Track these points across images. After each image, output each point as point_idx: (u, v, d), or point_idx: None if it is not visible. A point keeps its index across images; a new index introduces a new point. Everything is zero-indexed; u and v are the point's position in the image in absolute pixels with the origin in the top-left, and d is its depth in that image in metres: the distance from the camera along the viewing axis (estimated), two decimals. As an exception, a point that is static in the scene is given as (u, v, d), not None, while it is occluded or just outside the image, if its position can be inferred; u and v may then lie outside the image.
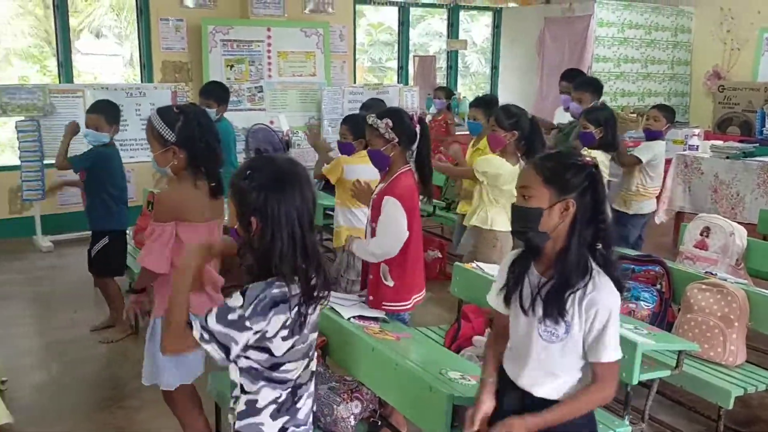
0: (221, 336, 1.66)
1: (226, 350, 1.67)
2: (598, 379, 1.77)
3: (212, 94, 5.01)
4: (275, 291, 1.68)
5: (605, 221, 1.76)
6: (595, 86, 5.10)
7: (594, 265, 1.75)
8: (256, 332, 1.67)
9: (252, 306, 1.65)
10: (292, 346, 1.74)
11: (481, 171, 3.80)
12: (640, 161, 4.62)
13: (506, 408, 1.88)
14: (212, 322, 1.66)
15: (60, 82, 6.66)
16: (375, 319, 2.85)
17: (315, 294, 1.75)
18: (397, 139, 2.88)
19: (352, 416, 2.48)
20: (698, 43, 8.82)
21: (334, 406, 2.47)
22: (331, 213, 4.73)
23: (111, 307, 4.33)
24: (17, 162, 6.08)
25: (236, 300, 1.67)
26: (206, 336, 1.66)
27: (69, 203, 6.44)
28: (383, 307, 2.93)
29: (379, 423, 2.62)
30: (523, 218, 1.77)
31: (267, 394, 1.78)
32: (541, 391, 1.83)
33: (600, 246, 1.76)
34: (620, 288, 1.77)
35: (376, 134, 2.90)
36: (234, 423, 1.84)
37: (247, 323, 1.65)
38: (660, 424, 3.27)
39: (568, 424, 1.79)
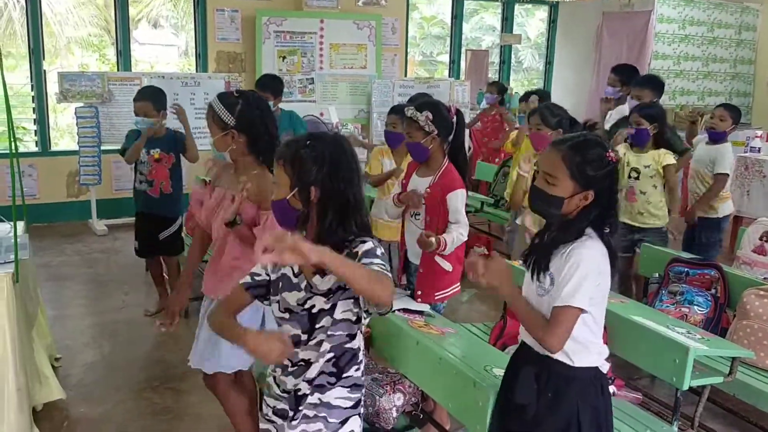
0: (387, 269, 1.61)
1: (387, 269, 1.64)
2: (550, 320, 1.79)
3: (268, 86, 5.04)
4: (379, 251, 1.68)
5: (615, 207, 1.87)
6: (655, 84, 4.93)
7: (590, 231, 1.83)
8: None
9: (380, 247, 1.67)
10: None
11: None
12: (727, 175, 4.42)
13: (522, 380, 1.92)
14: (376, 260, 1.61)
15: (118, 71, 6.84)
16: (420, 312, 2.84)
17: None
18: (436, 132, 2.91)
19: (394, 408, 2.49)
20: (764, 42, 8.52)
21: (377, 398, 2.47)
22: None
23: (162, 296, 4.43)
24: (76, 147, 6.27)
25: (365, 245, 1.64)
26: (384, 267, 1.60)
27: (124, 189, 6.63)
28: (437, 297, 2.98)
29: (421, 416, 2.61)
30: (545, 202, 1.86)
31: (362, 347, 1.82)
32: (557, 354, 1.84)
33: (607, 230, 1.84)
34: (614, 259, 1.83)
35: (415, 127, 2.93)
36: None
37: (387, 261, 1.67)
38: (710, 432, 3.18)
39: (582, 397, 1.84)
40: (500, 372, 2.32)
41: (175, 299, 2.75)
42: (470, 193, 3.43)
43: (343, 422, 1.79)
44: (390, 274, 1.60)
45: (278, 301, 1.78)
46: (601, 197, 1.83)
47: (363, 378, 1.82)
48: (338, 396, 1.77)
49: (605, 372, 1.90)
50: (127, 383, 3.56)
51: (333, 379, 1.75)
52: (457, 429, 2.93)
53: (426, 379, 2.45)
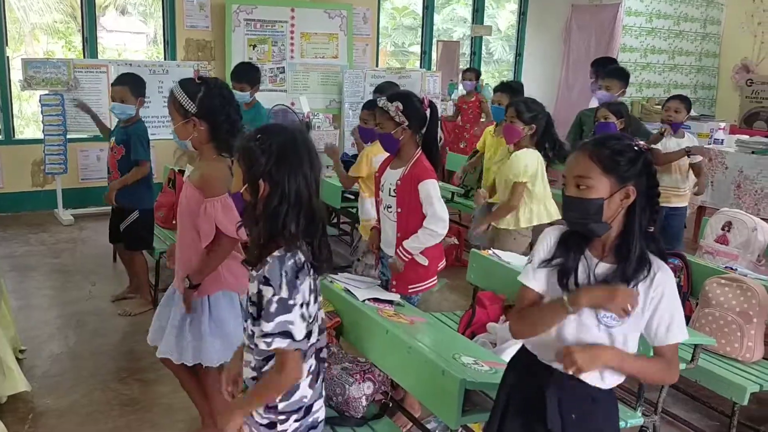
0: (278, 327, 1.66)
1: (290, 336, 1.67)
2: (667, 360, 1.71)
3: (243, 76, 4.94)
4: (290, 262, 1.68)
5: (658, 204, 1.71)
6: (624, 76, 5.03)
7: (652, 257, 1.69)
8: (301, 305, 1.68)
9: (283, 285, 1.65)
10: (317, 311, 1.78)
11: (529, 174, 3.68)
12: (701, 165, 4.54)
13: (551, 409, 1.76)
14: (266, 328, 1.67)
15: (84, 58, 6.71)
16: (390, 302, 2.86)
17: (320, 260, 1.76)
18: (407, 123, 2.89)
19: (363, 397, 2.50)
20: (728, 36, 8.68)
21: (347, 386, 2.48)
22: (349, 196, 4.75)
23: (133, 280, 4.38)
24: (41, 136, 6.15)
25: (266, 293, 1.67)
26: (270, 341, 1.68)
27: (90, 178, 6.53)
28: (410, 290, 2.99)
29: (390, 405, 2.63)
30: (583, 210, 1.67)
31: (304, 367, 1.78)
32: (590, 376, 1.71)
33: (651, 230, 1.70)
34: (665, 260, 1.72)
35: (386, 117, 2.92)
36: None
37: (290, 302, 1.66)
38: (673, 417, 3.25)
39: (607, 422, 1.77)
40: (469, 360, 2.35)
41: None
42: (441, 183, 3.43)
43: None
44: (291, 344, 1.67)
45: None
46: (644, 194, 1.66)
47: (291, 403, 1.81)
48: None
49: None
50: (94, 374, 3.52)
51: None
52: (427, 416, 2.96)
53: (395, 368, 2.47)
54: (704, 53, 8.67)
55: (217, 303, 2.49)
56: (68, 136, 6.11)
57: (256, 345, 1.75)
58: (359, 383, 2.51)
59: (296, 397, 1.79)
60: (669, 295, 1.67)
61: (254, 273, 1.73)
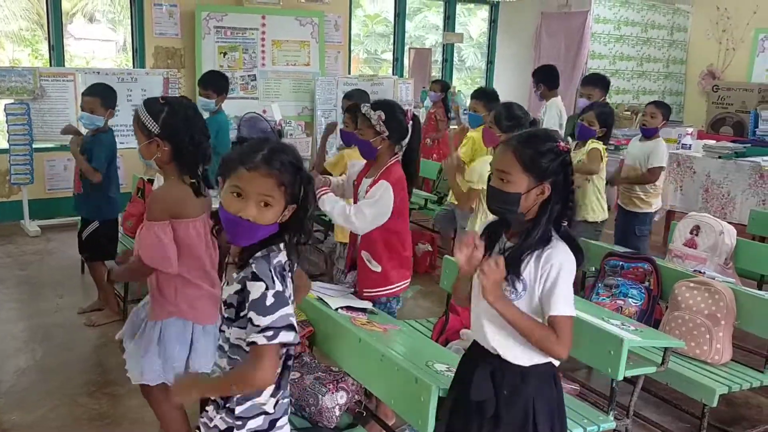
0: (281, 321, 1.60)
1: (293, 328, 1.63)
2: (554, 331, 1.81)
3: (211, 84, 4.92)
4: (275, 260, 1.67)
5: (573, 200, 1.88)
6: (605, 83, 5.15)
7: (555, 234, 1.84)
8: (289, 298, 1.67)
9: (274, 279, 1.63)
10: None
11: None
12: (663, 168, 4.62)
13: (477, 379, 1.91)
14: (264, 321, 1.60)
15: (51, 66, 6.60)
16: (363, 310, 2.85)
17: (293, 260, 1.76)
18: (387, 133, 2.88)
19: (337, 406, 2.48)
20: (694, 42, 8.85)
21: (320, 396, 2.46)
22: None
23: (100, 292, 4.31)
24: (6, 145, 6.03)
25: (256, 289, 1.62)
26: (272, 334, 1.60)
27: (57, 188, 6.42)
28: (367, 294, 2.95)
29: (364, 414, 2.61)
30: (502, 201, 1.85)
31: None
32: (510, 354, 1.87)
33: (566, 223, 1.87)
34: (580, 254, 1.85)
35: (367, 124, 2.91)
36: (217, 415, 1.79)
37: (286, 294, 1.65)
38: (645, 420, 3.28)
39: (537, 391, 1.87)
40: (442, 367, 2.35)
41: None
42: (414, 190, 3.43)
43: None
44: (276, 348, 1.63)
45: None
46: (558, 191, 1.83)
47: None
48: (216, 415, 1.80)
49: (557, 365, 1.93)
50: (62, 388, 3.44)
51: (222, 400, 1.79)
52: (401, 425, 2.94)
53: (369, 377, 2.45)
54: (671, 60, 8.82)
55: (167, 328, 2.45)
56: (34, 146, 6.00)
57: (236, 347, 1.71)
58: (332, 393, 2.49)
59: (254, 401, 1.74)
60: (557, 269, 1.79)
61: (234, 275, 1.70)
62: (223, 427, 1.77)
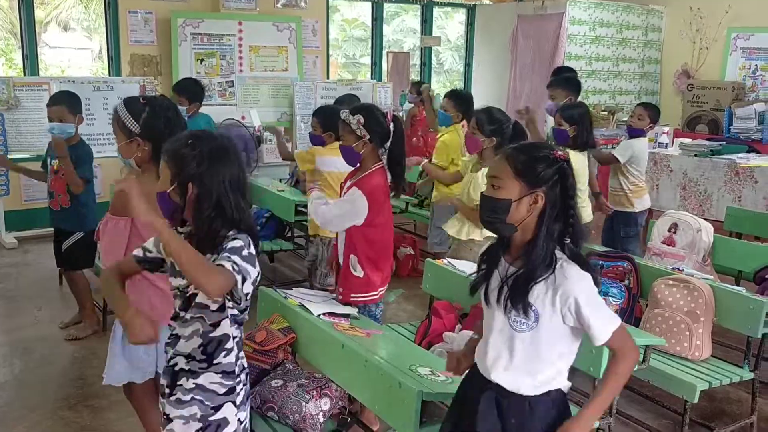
0: (242, 269, 1.72)
1: (248, 292, 1.76)
2: (615, 353, 1.77)
3: (184, 90, 4.88)
4: (244, 236, 1.80)
5: (574, 216, 1.76)
6: (569, 83, 5.13)
7: (560, 254, 1.75)
8: (257, 272, 1.78)
9: (251, 245, 1.78)
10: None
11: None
12: (617, 160, 4.63)
13: (483, 409, 1.83)
14: (236, 259, 1.72)
15: (25, 76, 6.52)
16: (345, 315, 2.84)
17: None
18: (368, 137, 2.88)
19: (321, 413, 2.47)
20: (668, 42, 8.94)
21: (303, 404, 2.45)
22: (303, 209, 4.71)
23: (79, 303, 4.25)
24: (-20, 156, 5.93)
25: (236, 242, 1.76)
26: (236, 267, 1.71)
27: (34, 199, 6.32)
28: (351, 299, 2.95)
29: (348, 420, 2.60)
30: (492, 208, 1.76)
31: (236, 334, 1.92)
32: (513, 385, 1.79)
33: (569, 241, 1.76)
34: (592, 272, 1.76)
35: (347, 130, 2.90)
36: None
37: (255, 261, 1.78)
38: (627, 418, 3.31)
39: (547, 425, 1.79)
40: (425, 371, 2.35)
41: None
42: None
43: (217, 408, 1.90)
44: (239, 276, 1.71)
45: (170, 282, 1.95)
46: (555, 204, 1.73)
47: (238, 366, 1.94)
48: (211, 381, 1.90)
49: (566, 391, 1.85)
50: (43, 403, 3.40)
51: (204, 365, 1.89)
52: (385, 430, 2.94)
53: (352, 382, 2.45)
54: (647, 60, 8.91)
55: None
56: (10, 156, 5.91)
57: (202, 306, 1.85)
58: (316, 400, 2.48)
59: (230, 359, 1.90)
60: (582, 298, 1.71)
61: (209, 256, 1.79)
62: (222, 391, 1.90)
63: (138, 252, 1.97)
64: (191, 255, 1.68)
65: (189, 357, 1.90)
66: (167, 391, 1.94)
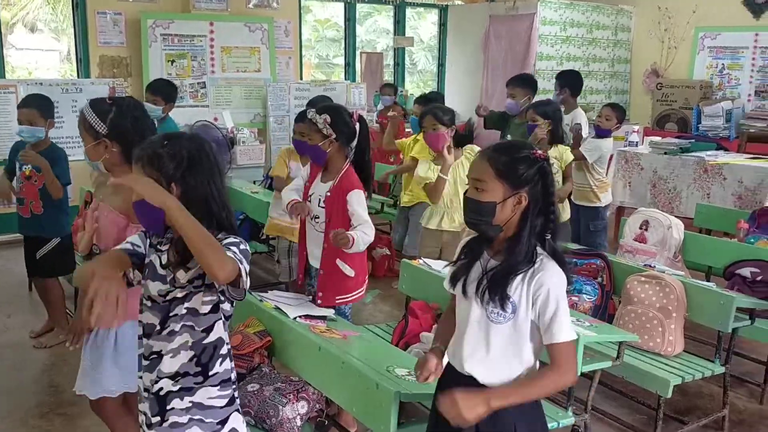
0: (244, 260, 1.68)
1: (241, 267, 1.68)
2: (555, 361, 1.76)
3: (159, 91, 4.82)
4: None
5: (554, 212, 1.80)
6: (526, 82, 5.19)
7: (541, 250, 1.78)
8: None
9: (245, 245, 1.73)
10: None
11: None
12: (585, 159, 4.75)
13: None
14: (234, 249, 1.67)
15: (-9, 78, 6.39)
16: (322, 317, 2.83)
17: None
18: (334, 136, 2.93)
19: (298, 417, 2.45)
20: (637, 42, 9.06)
21: (280, 407, 2.43)
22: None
23: (50, 311, 4.16)
24: (-55, 161, 5.80)
25: (229, 239, 1.71)
26: (238, 257, 1.66)
27: (1, 204, 6.19)
28: (337, 301, 2.98)
29: (326, 422, 2.59)
30: (477, 211, 1.79)
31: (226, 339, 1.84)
32: (488, 379, 1.81)
33: (549, 237, 1.79)
34: (567, 277, 1.78)
35: (314, 129, 2.96)
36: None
37: (249, 258, 1.71)
38: (603, 414, 3.34)
39: (518, 414, 1.79)
40: (402, 372, 2.35)
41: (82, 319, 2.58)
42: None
43: (223, 422, 1.78)
44: (242, 266, 1.65)
45: (143, 286, 1.81)
46: (537, 201, 1.76)
47: (233, 372, 1.83)
48: (210, 396, 1.77)
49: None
50: (14, 411, 3.33)
51: (200, 378, 1.76)
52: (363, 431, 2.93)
53: (329, 384, 2.44)
54: (616, 59, 9.01)
55: (123, 334, 2.38)
56: (-24, 161, 5.80)
57: (194, 313, 1.76)
58: (293, 403, 2.47)
59: (225, 365, 1.81)
60: (553, 296, 1.73)
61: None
62: (222, 404, 1.80)
63: (126, 245, 1.84)
64: (204, 233, 1.60)
65: (178, 375, 1.75)
66: (154, 420, 1.76)
